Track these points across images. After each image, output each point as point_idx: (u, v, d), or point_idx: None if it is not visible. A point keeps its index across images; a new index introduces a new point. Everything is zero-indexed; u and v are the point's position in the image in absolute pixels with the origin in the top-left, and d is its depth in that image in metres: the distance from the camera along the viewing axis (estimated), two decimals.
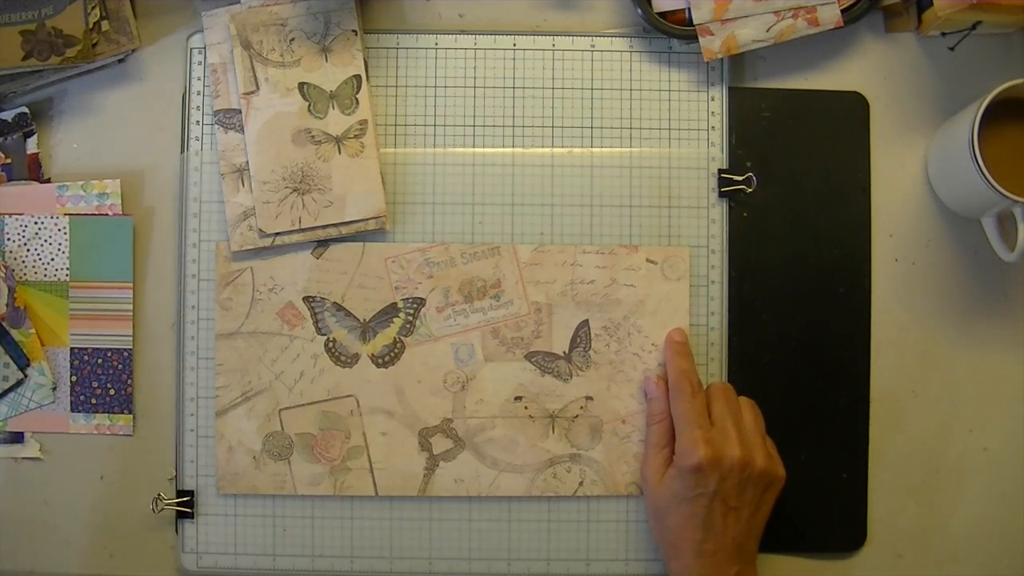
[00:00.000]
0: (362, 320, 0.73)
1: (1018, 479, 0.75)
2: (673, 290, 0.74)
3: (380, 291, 0.73)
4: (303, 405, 0.73)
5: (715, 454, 0.67)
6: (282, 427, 0.73)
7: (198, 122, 0.74)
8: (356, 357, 0.73)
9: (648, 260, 0.74)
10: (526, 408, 0.73)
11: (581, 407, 0.73)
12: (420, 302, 0.73)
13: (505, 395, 0.73)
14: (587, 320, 0.73)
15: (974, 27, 0.73)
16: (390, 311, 0.73)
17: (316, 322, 0.73)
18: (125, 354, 0.74)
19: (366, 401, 0.73)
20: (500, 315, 0.73)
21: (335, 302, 0.73)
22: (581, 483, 0.73)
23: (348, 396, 0.73)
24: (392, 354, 0.73)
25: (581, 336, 0.73)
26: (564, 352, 0.73)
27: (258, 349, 0.73)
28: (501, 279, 0.73)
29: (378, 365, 0.73)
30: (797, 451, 0.73)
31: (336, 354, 0.73)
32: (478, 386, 0.73)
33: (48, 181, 0.74)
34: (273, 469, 0.72)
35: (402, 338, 0.73)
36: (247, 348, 0.73)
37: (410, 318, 0.73)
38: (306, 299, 0.73)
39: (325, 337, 0.73)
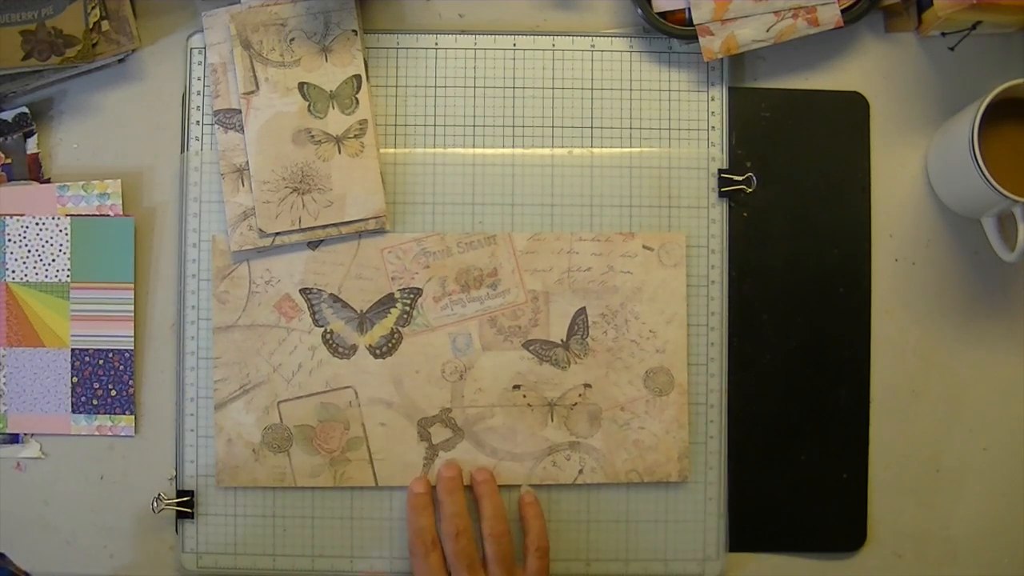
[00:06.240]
0: (359, 311, 0.73)
1: (1018, 479, 0.75)
2: (670, 276, 0.73)
3: (377, 282, 0.73)
4: (301, 397, 0.73)
5: None
6: (281, 419, 0.73)
7: (198, 122, 0.74)
8: (354, 348, 0.73)
9: (644, 246, 0.74)
10: (524, 397, 0.73)
11: (580, 395, 0.73)
12: (417, 292, 0.73)
13: (503, 384, 0.73)
14: (584, 307, 0.73)
15: (974, 27, 0.73)
16: (387, 302, 0.73)
17: (313, 314, 0.73)
18: (126, 355, 0.74)
19: (364, 392, 0.73)
20: (497, 304, 0.73)
21: (332, 293, 0.73)
22: (581, 471, 0.73)
23: (346, 387, 0.73)
24: (390, 345, 0.73)
25: (579, 324, 0.73)
26: (562, 340, 0.73)
27: (256, 342, 0.73)
28: (497, 268, 0.73)
29: (376, 356, 0.73)
30: (797, 451, 0.73)
31: (334, 345, 0.73)
32: (476, 375, 0.73)
33: (48, 181, 0.74)
34: (273, 461, 0.72)
35: (399, 328, 0.73)
36: (244, 341, 0.73)
37: (407, 308, 0.73)
38: (303, 291, 0.73)
39: (322, 329, 0.73)
